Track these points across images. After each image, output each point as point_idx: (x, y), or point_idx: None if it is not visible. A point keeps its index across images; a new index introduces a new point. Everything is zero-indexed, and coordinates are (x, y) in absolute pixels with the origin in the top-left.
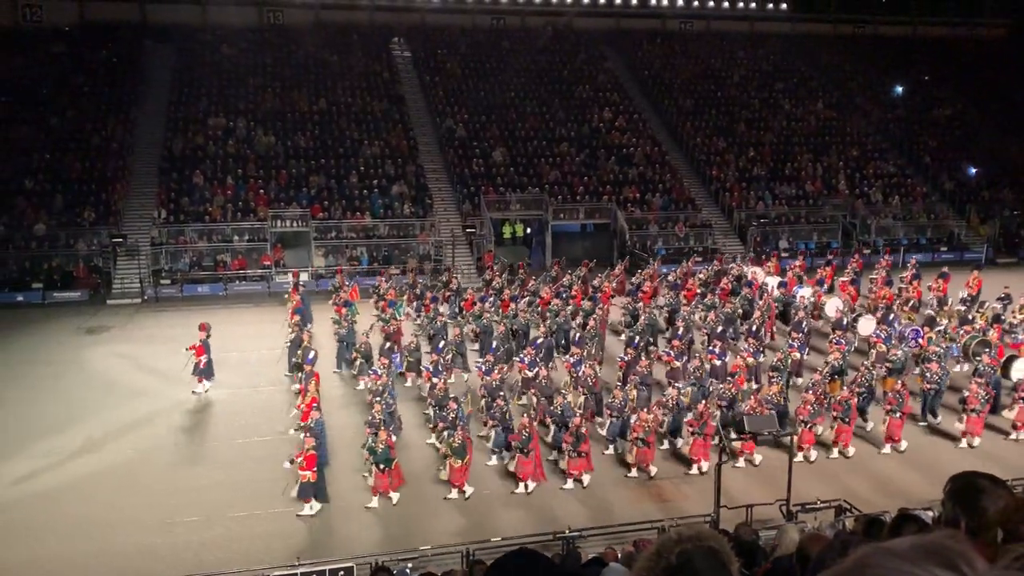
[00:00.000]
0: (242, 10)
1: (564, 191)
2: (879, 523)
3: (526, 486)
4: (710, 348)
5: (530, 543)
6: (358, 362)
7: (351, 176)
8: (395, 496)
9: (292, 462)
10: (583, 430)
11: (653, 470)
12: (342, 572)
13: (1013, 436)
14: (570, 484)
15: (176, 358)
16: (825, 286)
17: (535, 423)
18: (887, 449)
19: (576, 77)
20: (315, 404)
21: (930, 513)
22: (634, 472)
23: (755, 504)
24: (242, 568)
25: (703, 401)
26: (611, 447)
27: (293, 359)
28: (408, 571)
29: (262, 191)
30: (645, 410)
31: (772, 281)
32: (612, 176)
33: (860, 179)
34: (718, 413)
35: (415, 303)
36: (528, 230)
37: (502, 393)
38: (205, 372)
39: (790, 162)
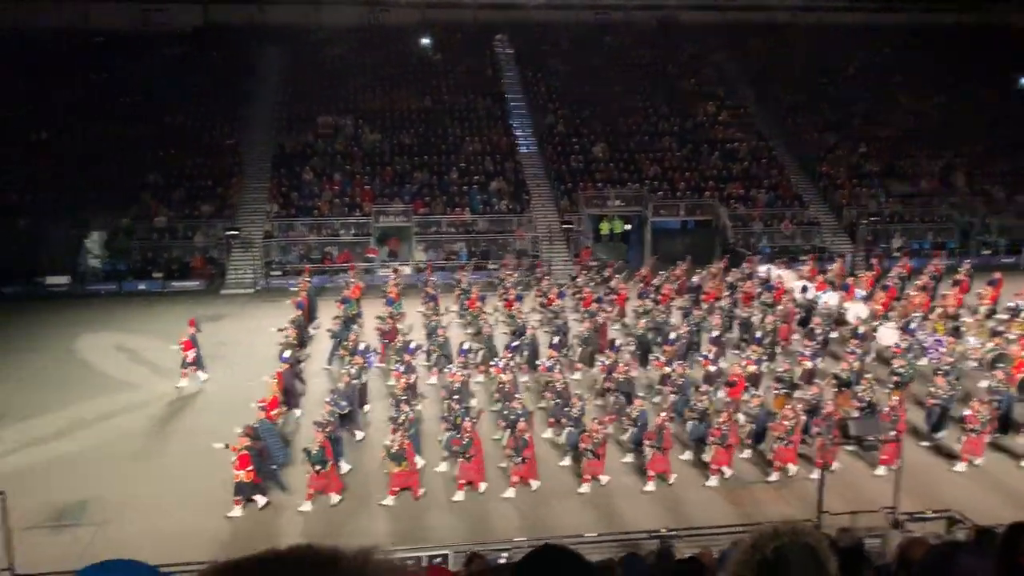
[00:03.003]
0: (352, 10)
1: (665, 187)
2: (990, 534)
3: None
4: (702, 354)
5: (614, 542)
6: (346, 359)
7: (452, 172)
8: (307, 505)
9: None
10: (527, 436)
11: (595, 481)
12: (439, 558)
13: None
14: (511, 493)
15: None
16: (863, 292)
17: (478, 428)
18: (881, 470)
19: (681, 71)
20: (272, 404)
21: None
22: (585, 487)
23: (858, 511)
24: None
25: (663, 413)
26: (567, 457)
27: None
28: (500, 561)
29: (367, 187)
30: (596, 421)
31: (796, 285)
32: (715, 172)
33: (981, 176)
34: (690, 425)
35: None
36: (628, 226)
37: (456, 396)
38: (196, 365)
39: (906, 158)
